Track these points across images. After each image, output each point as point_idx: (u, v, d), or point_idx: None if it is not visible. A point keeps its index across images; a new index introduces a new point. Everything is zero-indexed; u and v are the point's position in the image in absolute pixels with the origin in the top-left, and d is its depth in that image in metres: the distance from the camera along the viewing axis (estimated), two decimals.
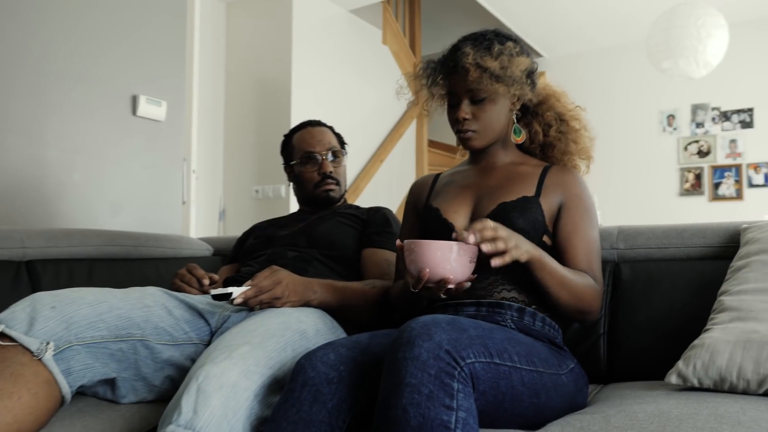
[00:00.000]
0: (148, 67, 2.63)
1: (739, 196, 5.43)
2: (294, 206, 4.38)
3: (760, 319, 1.17)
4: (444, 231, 1.36)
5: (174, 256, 2.14)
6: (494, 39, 1.36)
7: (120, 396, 1.28)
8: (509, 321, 1.26)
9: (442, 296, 1.18)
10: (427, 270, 1.12)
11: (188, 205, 3.73)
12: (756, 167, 5.38)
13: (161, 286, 1.52)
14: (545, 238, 1.34)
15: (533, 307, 1.29)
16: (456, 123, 1.39)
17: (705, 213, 5.49)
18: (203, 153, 4.37)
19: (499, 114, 1.38)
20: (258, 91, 4.56)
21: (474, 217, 1.37)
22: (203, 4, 4.31)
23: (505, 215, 1.31)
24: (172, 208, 2.75)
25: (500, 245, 1.13)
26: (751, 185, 5.41)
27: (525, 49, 1.40)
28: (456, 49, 1.38)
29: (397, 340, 0.97)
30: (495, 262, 1.13)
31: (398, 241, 1.21)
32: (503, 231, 1.16)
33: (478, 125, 1.37)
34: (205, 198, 4.44)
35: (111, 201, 2.50)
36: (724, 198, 5.50)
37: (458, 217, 1.38)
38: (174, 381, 1.31)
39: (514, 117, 1.43)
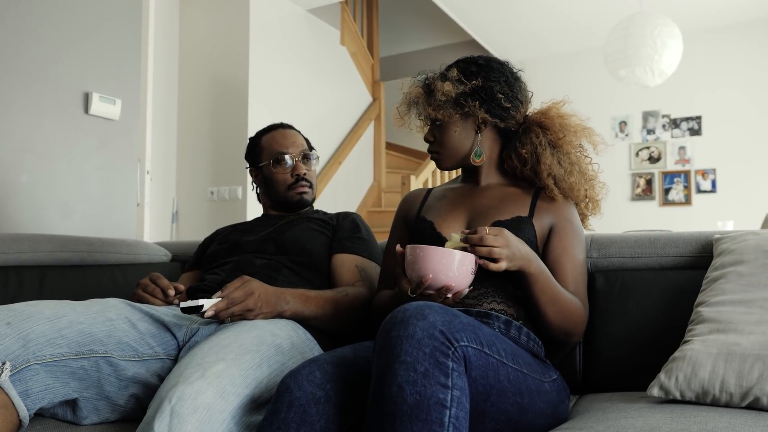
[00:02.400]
0: (101, 64, 2.50)
1: (687, 201, 5.59)
2: (252, 209, 4.32)
3: (740, 331, 1.18)
4: (437, 244, 1.33)
5: (131, 262, 2.04)
6: (453, 65, 1.42)
7: (81, 417, 1.20)
8: (495, 331, 1.24)
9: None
10: (431, 276, 1.13)
11: (142, 207, 3.60)
12: (703, 173, 5.55)
13: (118, 294, 1.45)
14: None
15: (520, 321, 1.29)
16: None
17: (655, 218, 5.63)
18: (156, 153, 4.22)
19: (457, 136, 1.41)
20: (213, 90, 4.45)
21: None
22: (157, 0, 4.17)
23: None
24: (126, 211, 2.63)
25: (495, 252, 1.16)
26: (699, 191, 5.58)
27: (473, 74, 1.38)
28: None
29: (390, 320, 0.96)
30: (486, 266, 1.17)
31: (398, 247, 1.21)
32: (502, 240, 1.18)
33: (439, 147, 1.44)
34: (158, 200, 4.30)
35: (62, 203, 2.37)
36: (673, 203, 5.66)
37: (451, 232, 1.38)
38: (140, 400, 1.24)
39: (478, 139, 1.43)
